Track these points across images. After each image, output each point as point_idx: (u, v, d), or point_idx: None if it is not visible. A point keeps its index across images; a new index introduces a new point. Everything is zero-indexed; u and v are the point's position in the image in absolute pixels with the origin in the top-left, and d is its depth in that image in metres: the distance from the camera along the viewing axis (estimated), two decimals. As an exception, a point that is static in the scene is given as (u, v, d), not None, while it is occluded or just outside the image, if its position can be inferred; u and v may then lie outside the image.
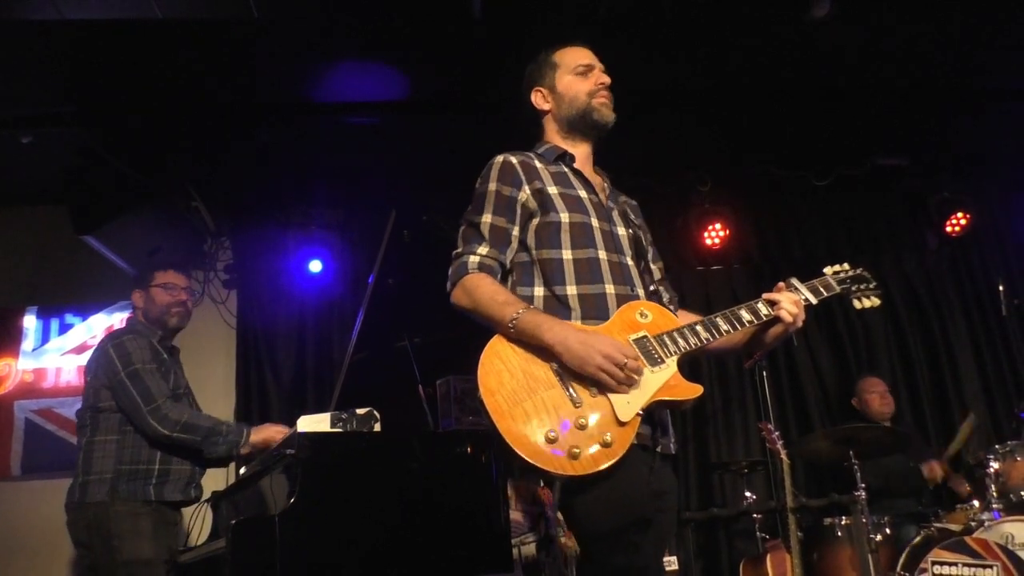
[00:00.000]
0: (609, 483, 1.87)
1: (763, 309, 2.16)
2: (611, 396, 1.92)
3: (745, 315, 2.14)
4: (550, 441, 1.85)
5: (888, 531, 4.31)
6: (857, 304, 2.37)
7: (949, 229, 6.04)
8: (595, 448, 1.86)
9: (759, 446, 5.37)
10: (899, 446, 4.68)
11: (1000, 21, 4.52)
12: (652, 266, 2.35)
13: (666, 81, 4.77)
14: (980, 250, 6.31)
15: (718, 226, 5.87)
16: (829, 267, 2.39)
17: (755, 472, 5.15)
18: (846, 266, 2.41)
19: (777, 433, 4.18)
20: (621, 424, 1.90)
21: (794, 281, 2.25)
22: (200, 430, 3.25)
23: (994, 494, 4.04)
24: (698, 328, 2.09)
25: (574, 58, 2.37)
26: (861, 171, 6.06)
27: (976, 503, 4.21)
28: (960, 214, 6.00)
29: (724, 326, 2.11)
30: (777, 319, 2.16)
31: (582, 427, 1.88)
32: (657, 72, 4.51)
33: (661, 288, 2.35)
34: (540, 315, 2.01)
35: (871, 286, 2.38)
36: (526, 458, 1.82)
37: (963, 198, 6.03)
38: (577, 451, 1.84)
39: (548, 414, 1.89)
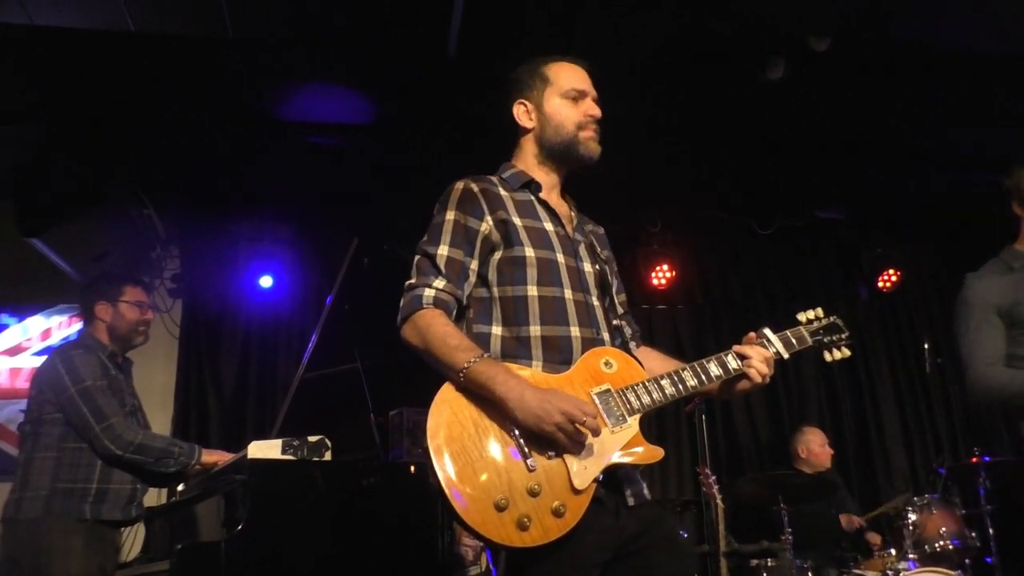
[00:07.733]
0: (559, 551, 1.74)
1: (732, 363, 2.04)
2: (568, 459, 1.78)
3: (714, 370, 2.03)
4: (499, 509, 1.70)
5: (810, 574, 4.47)
6: (828, 356, 2.26)
7: (881, 284, 6.34)
8: (547, 518, 1.73)
9: (692, 486, 5.50)
10: (825, 494, 4.87)
11: (936, 94, 4.81)
12: (615, 299, 2.21)
13: (627, 122, 4.91)
14: (908, 308, 6.62)
15: (665, 267, 6.09)
16: (803, 313, 2.24)
17: (688, 512, 5.27)
18: (820, 312, 2.25)
19: (714, 478, 4.31)
20: (576, 492, 1.76)
21: (767, 332, 2.12)
22: (153, 451, 3.21)
23: (910, 545, 4.23)
24: (664, 383, 1.96)
25: (568, 78, 2.16)
26: (801, 222, 6.32)
27: (893, 552, 4.40)
28: (892, 271, 6.31)
29: (691, 381, 1.99)
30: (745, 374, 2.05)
31: (534, 494, 1.73)
32: (620, 112, 4.67)
33: (624, 323, 2.22)
34: (495, 366, 1.83)
35: (843, 337, 2.25)
36: (472, 526, 1.70)
37: (895, 255, 6.34)
38: (527, 522, 1.71)
39: (499, 477, 1.74)
